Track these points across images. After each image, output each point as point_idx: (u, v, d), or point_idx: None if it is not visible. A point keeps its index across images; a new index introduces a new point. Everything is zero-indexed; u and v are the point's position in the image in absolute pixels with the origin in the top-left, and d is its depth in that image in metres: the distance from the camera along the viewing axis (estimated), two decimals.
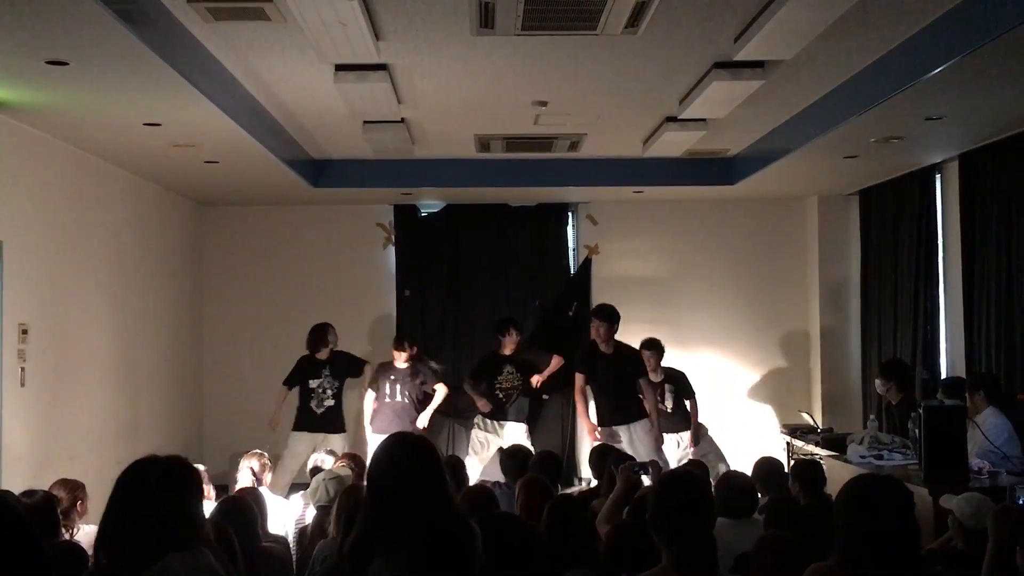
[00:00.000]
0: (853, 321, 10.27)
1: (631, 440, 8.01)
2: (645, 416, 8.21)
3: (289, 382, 9.11)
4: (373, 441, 8.64)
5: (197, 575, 2.76)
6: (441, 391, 9.03)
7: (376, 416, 8.99)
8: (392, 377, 8.92)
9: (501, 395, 9.09)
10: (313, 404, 8.95)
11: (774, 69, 6.06)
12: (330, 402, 8.94)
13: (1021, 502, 3.58)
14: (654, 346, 8.85)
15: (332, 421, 8.96)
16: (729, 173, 9.40)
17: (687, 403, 8.95)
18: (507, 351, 9.17)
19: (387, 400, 8.88)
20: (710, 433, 8.93)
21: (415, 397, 8.93)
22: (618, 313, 8.31)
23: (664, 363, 8.94)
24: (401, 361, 8.92)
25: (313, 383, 8.99)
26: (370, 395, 8.97)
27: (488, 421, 9.10)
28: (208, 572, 2.81)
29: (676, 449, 8.72)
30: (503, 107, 7.17)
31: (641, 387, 8.32)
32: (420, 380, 8.94)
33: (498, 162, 9.22)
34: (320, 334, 9.04)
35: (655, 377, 8.76)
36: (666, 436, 8.47)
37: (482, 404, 9.06)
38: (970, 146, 7.69)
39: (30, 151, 6.47)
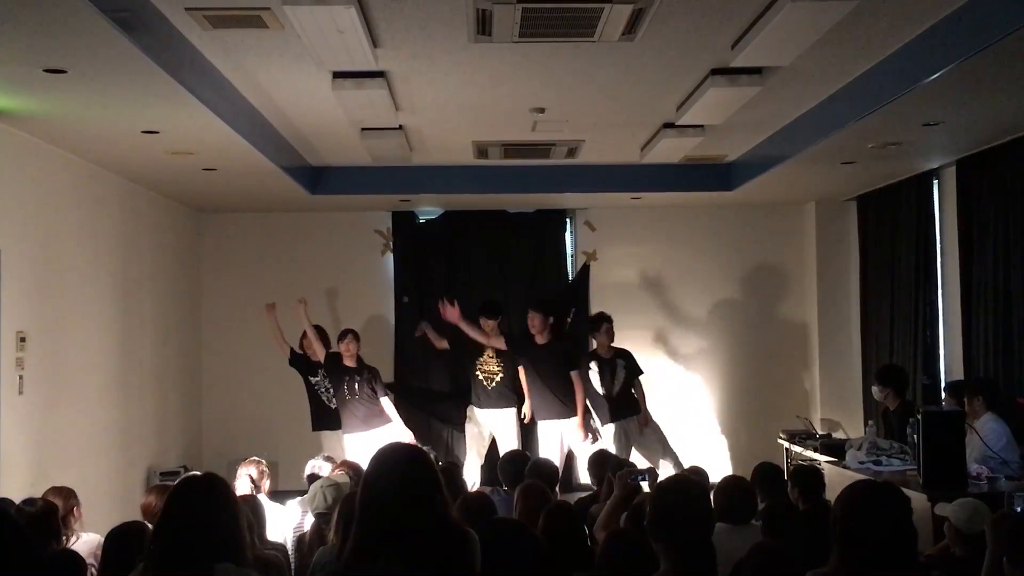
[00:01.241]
0: (852, 326, 10.27)
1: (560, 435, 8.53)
2: (573, 415, 8.63)
3: (293, 353, 9.15)
4: (348, 442, 8.55)
5: None
6: (390, 407, 8.76)
7: (343, 417, 8.73)
8: (347, 376, 8.71)
9: (482, 377, 9.19)
10: (324, 399, 8.94)
11: (771, 75, 6.08)
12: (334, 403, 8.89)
13: (1020, 510, 3.58)
14: (600, 320, 9.02)
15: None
16: (727, 179, 9.41)
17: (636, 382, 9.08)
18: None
19: (347, 397, 8.67)
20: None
21: (368, 395, 8.73)
22: (552, 305, 9.00)
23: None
24: (349, 359, 8.75)
25: (312, 379, 9.00)
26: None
27: (477, 411, 9.23)
28: None
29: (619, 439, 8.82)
30: (501, 114, 7.17)
31: (573, 379, 8.69)
32: (368, 377, 8.76)
33: (496, 169, 9.22)
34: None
35: (605, 353, 8.93)
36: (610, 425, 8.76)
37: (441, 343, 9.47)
38: (967, 152, 7.70)
39: (28, 159, 6.47)
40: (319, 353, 8.90)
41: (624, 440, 8.82)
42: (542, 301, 9.07)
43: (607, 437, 8.76)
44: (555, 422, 8.71)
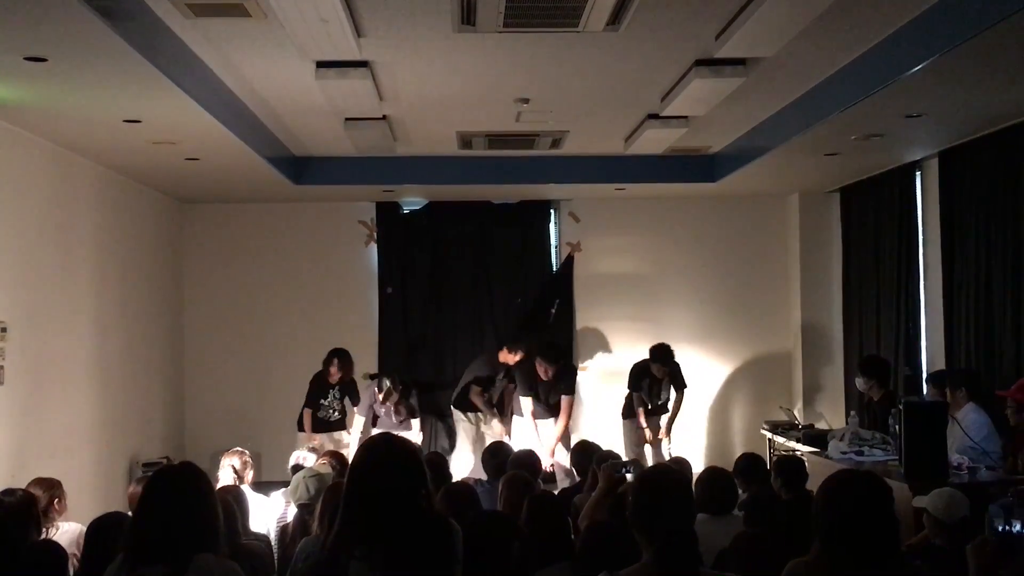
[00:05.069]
0: (835, 317, 10.31)
1: None
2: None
3: (309, 404, 9.01)
4: None
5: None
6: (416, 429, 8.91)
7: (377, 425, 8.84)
8: (384, 410, 8.82)
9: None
10: (321, 415, 9.00)
11: (755, 66, 6.08)
12: (336, 416, 9.04)
13: (1000, 529, 3.58)
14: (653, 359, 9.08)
15: (340, 423, 9.05)
16: (711, 170, 9.42)
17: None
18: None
19: (383, 418, 8.82)
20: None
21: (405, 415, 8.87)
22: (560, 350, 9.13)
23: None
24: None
25: (323, 401, 9.02)
26: (360, 420, 8.84)
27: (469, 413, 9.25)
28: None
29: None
30: (485, 104, 7.16)
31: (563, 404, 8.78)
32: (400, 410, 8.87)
33: (480, 159, 9.21)
34: (326, 360, 8.98)
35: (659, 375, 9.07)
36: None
37: (492, 415, 9.18)
38: (949, 143, 7.73)
39: (8, 148, 6.42)
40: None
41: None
42: (552, 347, 8.98)
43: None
44: (545, 421, 8.75)
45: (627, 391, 9.23)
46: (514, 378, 9.00)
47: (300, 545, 4.45)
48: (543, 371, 8.63)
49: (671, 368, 9.06)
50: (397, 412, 8.75)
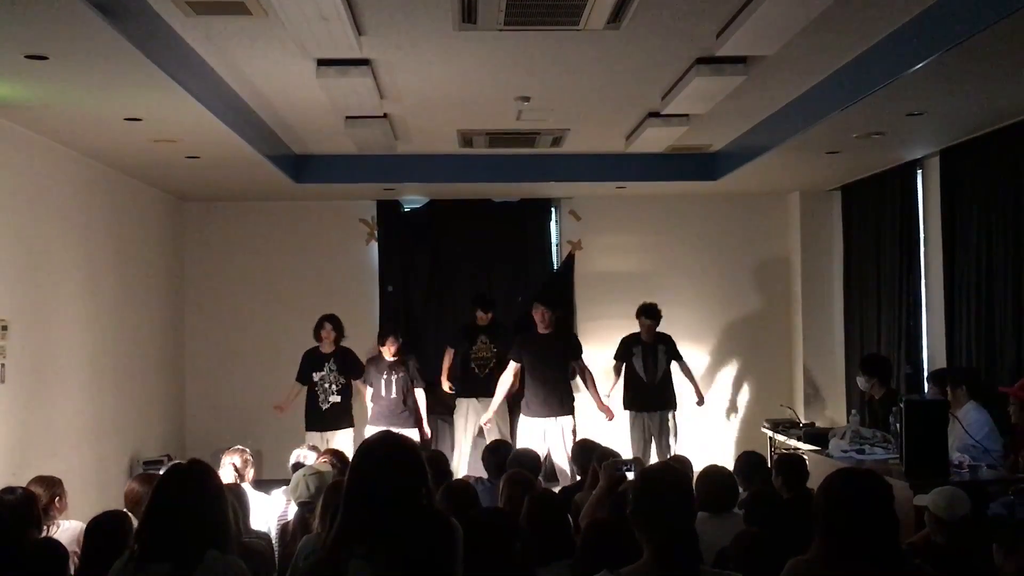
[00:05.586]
0: (836, 316, 10.32)
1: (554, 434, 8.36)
2: (562, 414, 8.45)
3: (300, 378, 9.01)
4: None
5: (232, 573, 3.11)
6: (422, 398, 8.94)
7: (372, 412, 8.89)
8: (384, 373, 8.85)
9: (475, 366, 9.26)
10: (320, 400, 8.88)
11: (756, 65, 6.08)
12: (335, 398, 8.87)
13: (990, 512, 3.58)
14: (639, 312, 9.16)
15: (337, 417, 8.87)
16: (711, 169, 9.41)
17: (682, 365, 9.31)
18: (481, 323, 9.36)
19: (382, 395, 8.82)
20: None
21: (403, 391, 8.86)
22: (555, 299, 9.14)
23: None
24: (389, 355, 8.84)
25: (316, 376, 8.90)
26: (369, 391, 8.91)
27: (465, 400, 9.32)
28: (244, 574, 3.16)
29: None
30: (486, 102, 7.15)
31: (578, 368, 8.76)
32: (405, 373, 8.88)
33: (481, 157, 9.21)
34: (316, 326, 8.98)
35: (647, 338, 9.13)
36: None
37: (447, 386, 9.42)
38: (951, 142, 7.73)
39: (9, 146, 6.42)
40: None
41: (641, 433, 9.06)
42: (546, 295, 9.06)
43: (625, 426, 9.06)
44: (540, 420, 8.44)
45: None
46: (497, 335, 9.11)
47: (301, 543, 4.45)
48: (540, 316, 8.44)
49: (659, 328, 9.09)
50: (399, 368, 8.75)
